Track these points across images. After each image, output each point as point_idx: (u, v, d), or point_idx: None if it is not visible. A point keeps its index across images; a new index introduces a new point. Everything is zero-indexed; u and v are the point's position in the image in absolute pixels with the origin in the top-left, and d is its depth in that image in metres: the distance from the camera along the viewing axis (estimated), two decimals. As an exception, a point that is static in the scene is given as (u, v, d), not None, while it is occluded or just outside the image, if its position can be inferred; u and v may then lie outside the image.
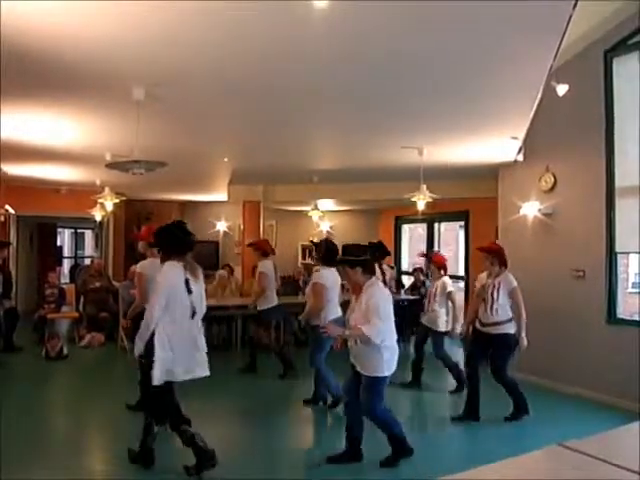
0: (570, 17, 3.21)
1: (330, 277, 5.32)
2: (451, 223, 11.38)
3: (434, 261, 6.53)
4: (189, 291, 3.75)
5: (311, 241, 5.65)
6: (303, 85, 4.26)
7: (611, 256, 5.84)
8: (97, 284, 9.31)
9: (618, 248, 5.83)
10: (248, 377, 6.82)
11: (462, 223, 10.64)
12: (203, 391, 6.26)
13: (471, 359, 5.30)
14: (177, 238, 3.86)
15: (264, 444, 4.62)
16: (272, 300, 6.81)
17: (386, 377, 3.93)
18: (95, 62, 3.67)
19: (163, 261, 3.85)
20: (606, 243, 5.83)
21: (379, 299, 3.85)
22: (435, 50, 3.59)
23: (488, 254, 5.26)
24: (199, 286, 3.92)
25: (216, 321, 8.64)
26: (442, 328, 6.28)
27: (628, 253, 6.20)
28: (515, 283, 5.11)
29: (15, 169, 8.30)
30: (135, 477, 3.84)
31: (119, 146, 5.72)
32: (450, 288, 6.30)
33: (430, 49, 3.57)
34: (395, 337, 3.98)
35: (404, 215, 11.65)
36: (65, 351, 7.69)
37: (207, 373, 3.91)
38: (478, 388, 5.18)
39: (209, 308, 8.18)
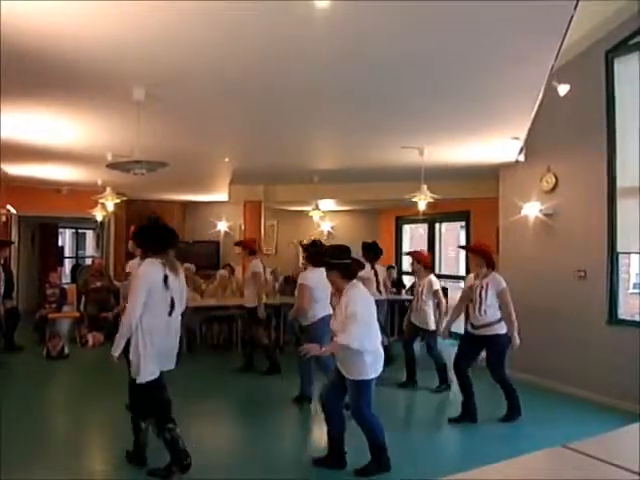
0: (571, 17, 3.20)
1: (315, 277, 5.35)
2: (452, 223, 11.36)
3: (420, 260, 6.49)
4: (167, 287, 3.75)
5: (300, 242, 5.68)
6: (303, 85, 4.26)
7: (612, 256, 5.83)
8: (98, 284, 9.32)
9: (619, 248, 5.82)
10: (247, 376, 6.82)
11: (463, 223, 10.63)
12: (203, 390, 6.28)
13: (459, 361, 5.23)
14: (155, 236, 3.90)
15: (262, 443, 4.61)
16: (262, 298, 6.91)
17: (371, 380, 3.88)
18: (95, 62, 3.67)
19: (143, 259, 3.89)
20: (607, 243, 5.83)
21: (356, 304, 3.80)
22: (435, 50, 3.58)
23: (475, 254, 5.22)
24: (178, 282, 3.94)
25: (217, 321, 8.66)
26: (432, 327, 6.27)
27: (629, 253, 6.20)
28: (504, 284, 5.06)
29: (16, 169, 8.31)
30: (135, 477, 3.84)
31: (120, 146, 5.72)
32: (436, 287, 6.27)
33: (431, 49, 3.56)
34: (378, 339, 3.93)
35: (405, 215, 11.65)
36: (66, 351, 7.70)
37: (172, 366, 3.95)
38: (471, 389, 5.15)
39: (210, 308, 8.36)
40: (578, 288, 6.09)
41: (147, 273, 3.74)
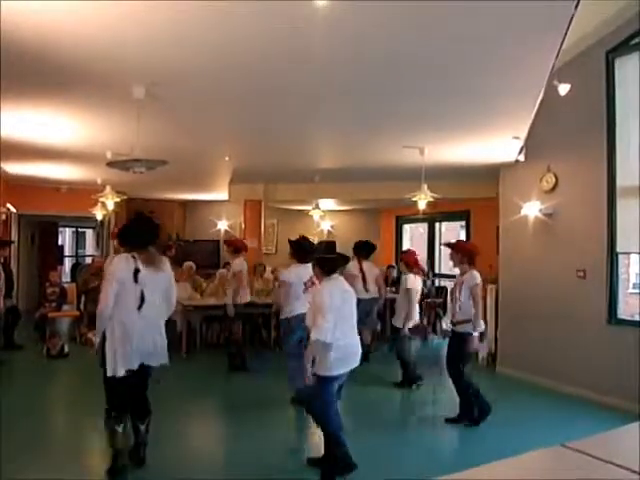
0: (572, 17, 3.20)
1: (295, 274, 5.45)
2: (452, 223, 11.38)
3: (402, 258, 6.61)
4: (136, 281, 3.73)
5: (289, 240, 5.76)
6: (303, 84, 4.25)
7: (612, 256, 5.83)
8: (98, 283, 9.30)
9: (619, 248, 5.82)
10: (244, 376, 6.82)
11: (463, 223, 10.64)
12: (201, 389, 6.29)
13: (449, 361, 5.18)
14: (132, 232, 3.93)
15: (258, 443, 4.58)
16: (245, 297, 6.96)
17: (333, 377, 3.79)
18: (95, 60, 3.67)
19: None
20: (607, 243, 5.82)
21: (322, 296, 3.78)
22: (436, 50, 3.57)
23: (455, 252, 5.18)
24: (159, 278, 3.89)
25: (217, 320, 8.66)
26: (397, 324, 6.33)
27: (629, 253, 6.19)
28: (477, 280, 4.95)
29: (16, 168, 8.31)
30: (135, 476, 3.83)
31: (120, 145, 5.72)
32: (408, 285, 6.24)
33: (431, 49, 3.56)
34: (352, 336, 3.85)
35: (405, 215, 11.65)
36: (66, 349, 7.70)
37: (164, 361, 3.93)
38: (466, 388, 5.08)
39: (210, 307, 8.32)
40: (578, 288, 6.09)
41: (116, 266, 3.78)
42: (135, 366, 3.77)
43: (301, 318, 5.10)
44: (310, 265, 5.08)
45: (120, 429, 3.75)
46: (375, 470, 3.98)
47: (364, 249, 7.19)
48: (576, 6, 3.09)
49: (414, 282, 6.28)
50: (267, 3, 2.82)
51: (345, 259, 4.14)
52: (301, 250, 5.44)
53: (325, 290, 3.84)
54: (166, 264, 4.03)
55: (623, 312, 5.93)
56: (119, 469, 3.72)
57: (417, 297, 6.31)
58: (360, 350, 4.00)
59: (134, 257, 3.77)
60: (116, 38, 3.31)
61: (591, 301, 5.94)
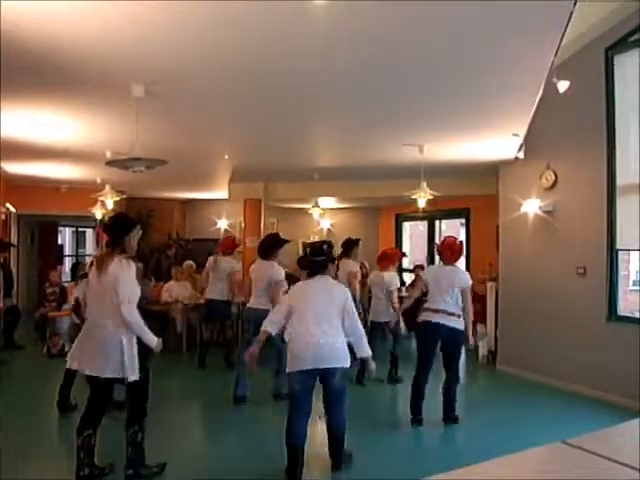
0: (571, 14, 3.20)
1: (253, 269, 5.66)
2: (452, 220, 11.37)
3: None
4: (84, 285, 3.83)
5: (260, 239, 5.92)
6: (303, 83, 4.25)
7: (612, 253, 5.84)
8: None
9: (619, 245, 5.82)
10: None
11: (463, 220, 10.64)
12: (199, 388, 6.28)
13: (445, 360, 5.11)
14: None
15: (260, 442, 4.59)
16: (207, 294, 7.16)
17: (293, 372, 3.65)
18: (94, 60, 3.67)
19: None
20: (607, 240, 5.83)
21: (287, 295, 3.84)
22: (436, 48, 3.57)
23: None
24: (100, 281, 3.49)
25: (217, 318, 8.63)
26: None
27: (629, 250, 6.20)
28: (419, 274, 5.37)
29: (15, 167, 8.31)
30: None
31: (119, 144, 5.71)
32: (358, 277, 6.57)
33: (431, 47, 3.56)
34: (314, 333, 3.63)
35: (405, 212, 11.65)
36: (67, 349, 7.70)
37: (114, 375, 3.48)
38: (453, 387, 4.99)
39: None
40: (578, 285, 6.09)
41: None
42: (73, 367, 3.75)
43: (252, 314, 5.26)
44: (271, 262, 5.44)
45: (87, 440, 3.58)
46: (373, 469, 3.99)
47: (344, 248, 7.18)
48: (575, 3, 3.09)
49: (372, 278, 6.68)
50: (266, 3, 2.82)
51: (319, 261, 4.00)
52: (264, 247, 5.66)
53: (290, 290, 3.95)
54: (111, 265, 3.45)
55: (623, 309, 5.94)
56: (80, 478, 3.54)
57: (381, 292, 6.48)
58: (338, 350, 3.72)
59: (91, 262, 3.87)
60: (115, 37, 3.31)
61: (591, 298, 5.95)
